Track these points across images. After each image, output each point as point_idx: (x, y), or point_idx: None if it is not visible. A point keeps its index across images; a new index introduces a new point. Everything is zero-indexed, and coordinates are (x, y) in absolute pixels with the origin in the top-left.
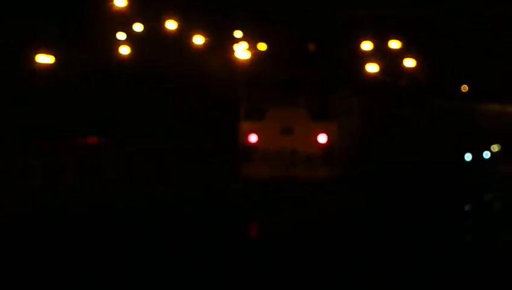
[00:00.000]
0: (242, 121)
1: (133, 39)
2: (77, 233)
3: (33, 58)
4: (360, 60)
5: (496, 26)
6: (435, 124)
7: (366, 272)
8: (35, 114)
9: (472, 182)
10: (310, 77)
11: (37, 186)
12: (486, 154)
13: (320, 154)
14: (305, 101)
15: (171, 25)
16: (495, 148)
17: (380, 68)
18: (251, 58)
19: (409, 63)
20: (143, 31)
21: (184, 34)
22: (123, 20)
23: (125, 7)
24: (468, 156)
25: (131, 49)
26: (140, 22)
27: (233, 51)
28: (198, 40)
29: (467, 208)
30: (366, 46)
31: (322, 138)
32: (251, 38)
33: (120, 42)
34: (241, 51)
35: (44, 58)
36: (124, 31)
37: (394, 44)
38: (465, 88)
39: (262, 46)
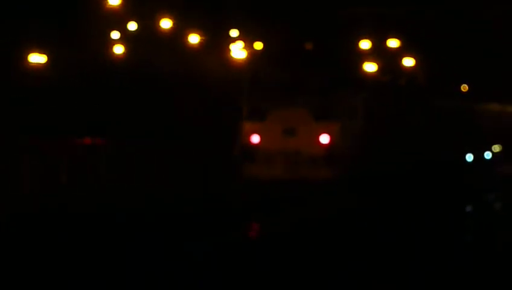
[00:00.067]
0: (244, 122)
1: (127, 38)
2: (77, 233)
3: (26, 58)
4: (360, 59)
5: (496, 26)
6: (436, 124)
7: (366, 272)
8: (32, 114)
9: (472, 182)
10: (311, 77)
11: (36, 186)
12: (488, 155)
13: (323, 154)
14: (308, 101)
15: (165, 23)
16: (496, 148)
17: (379, 67)
18: (251, 58)
19: (408, 62)
20: (137, 29)
21: (179, 32)
22: (117, 18)
23: (119, 5)
24: (469, 157)
25: (125, 48)
26: (135, 21)
27: (229, 50)
28: (194, 38)
29: (467, 208)
30: (365, 44)
31: (324, 139)
32: (248, 38)
33: (114, 41)
34: (238, 50)
35: (37, 58)
36: (118, 30)
37: (393, 43)
38: (465, 88)
39: (258, 45)
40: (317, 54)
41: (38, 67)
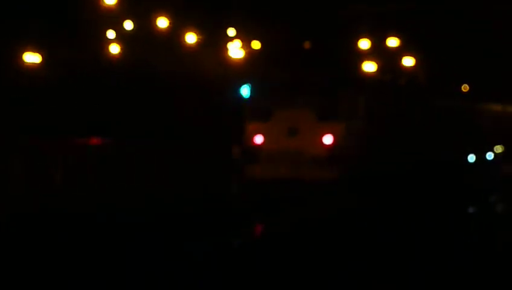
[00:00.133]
0: (248, 122)
1: (123, 37)
2: (76, 233)
3: (20, 57)
4: (359, 59)
5: (495, 26)
6: (436, 124)
7: (366, 272)
8: (29, 114)
9: (472, 182)
10: (312, 77)
11: (32, 186)
12: (490, 156)
13: (326, 155)
14: (310, 101)
15: (162, 22)
16: (498, 149)
17: (379, 67)
18: (250, 58)
19: (408, 61)
20: (133, 29)
21: (176, 31)
22: (113, 17)
23: (115, 4)
24: (471, 157)
25: (121, 47)
26: (131, 20)
27: (227, 49)
28: (191, 38)
29: (467, 208)
30: (365, 44)
31: (328, 139)
32: (247, 37)
33: (110, 41)
34: (235, 49)
35: (31, 57)
36: (113, 29)
37: (393, 42)
38: (466, 88)
39: (256, 45)
40: (318, 54)
41: (33, 67)
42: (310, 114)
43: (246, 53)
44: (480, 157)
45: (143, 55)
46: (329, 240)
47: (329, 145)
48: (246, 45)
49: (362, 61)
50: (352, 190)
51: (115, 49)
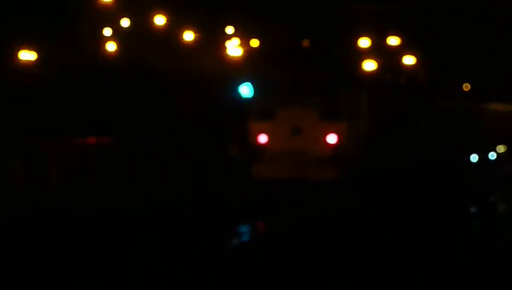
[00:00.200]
0: (252, 122)
1: (119, 35)
2: (76, 233)
3: (17, 56)
4: (360, 57)
5: (495, 26)
6: (437, 124)
7: (366, 272)
8: (27, 114)
9: (472, 182)
10: (314, 76)
11: (31, 186)
12: (492, 156)
13: (330, 154)
14: (314, 101)
15: (159, 20)
16: (501, 149)
17: (379, 65)
18: (250, 57)
19: (409, 60)
20: (130, 26)
21: (174, 29)
22: (110, 15)
23: (112, 2)
24: (474, 157)
25: (117, 45)
26: (128, 17)
27: (225, 47)
28: (188, 35)
29: (468, 208)
30: (365, 42)
31: (332, 138)
32: (246, 36)
33: (106, 38)
34: (233, 48)
35: (27, 55)
36: (110, 27)
37: (393, 40)
38: (467, 87)
39: (255, 43)
40: (318, 53)
41: (29, 66)
42: (313, 113)
43: (244, 51)
44: (483, 157)
45: (140, 53)
46: (329, 240)
47: (333, 144)
48: (245, 43)
49: (362, 60)
50: (352, 190)
51: (111, 47)
